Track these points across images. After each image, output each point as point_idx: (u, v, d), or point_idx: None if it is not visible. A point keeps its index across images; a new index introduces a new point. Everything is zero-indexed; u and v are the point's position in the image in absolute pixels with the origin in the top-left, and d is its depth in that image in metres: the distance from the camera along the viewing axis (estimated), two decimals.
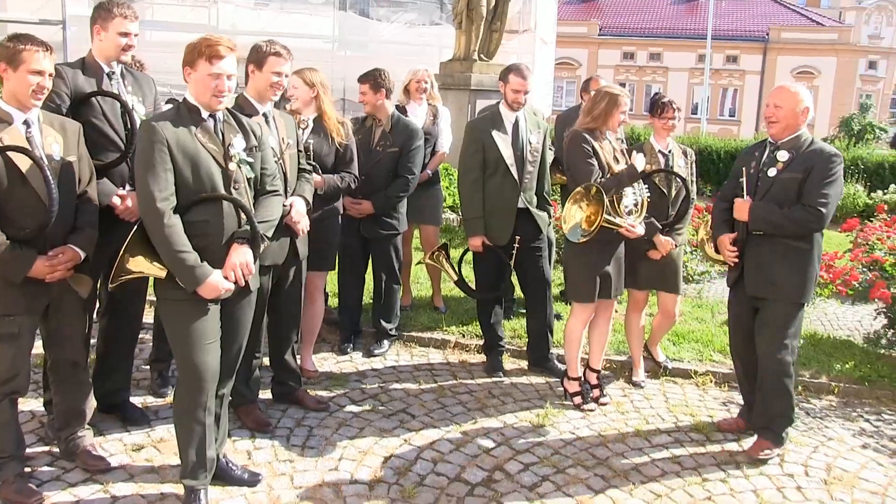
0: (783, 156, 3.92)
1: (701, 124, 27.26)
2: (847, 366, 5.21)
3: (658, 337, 5.17)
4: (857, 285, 5.25)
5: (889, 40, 45.22)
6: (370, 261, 5.29)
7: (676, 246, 4.78)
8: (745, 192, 4.01)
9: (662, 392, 4.85)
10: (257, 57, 3.77)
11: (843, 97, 40.88)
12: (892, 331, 5.35)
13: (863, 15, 44.14)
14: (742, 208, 3.96)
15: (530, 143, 4.85)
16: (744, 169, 4.07)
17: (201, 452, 3.22)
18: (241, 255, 3.10)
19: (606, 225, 4.22)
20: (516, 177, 4.78)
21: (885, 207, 8.68)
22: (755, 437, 4.10)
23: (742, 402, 4.41)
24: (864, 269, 5.58)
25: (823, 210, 3.77)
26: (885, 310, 5.33)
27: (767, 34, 42.64)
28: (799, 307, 3.98)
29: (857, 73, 43.40)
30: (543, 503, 3.49)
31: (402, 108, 5.71)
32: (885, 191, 11.72)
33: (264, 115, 3.80)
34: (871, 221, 6.91)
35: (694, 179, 4.94)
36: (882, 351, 5.40)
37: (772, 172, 3.93)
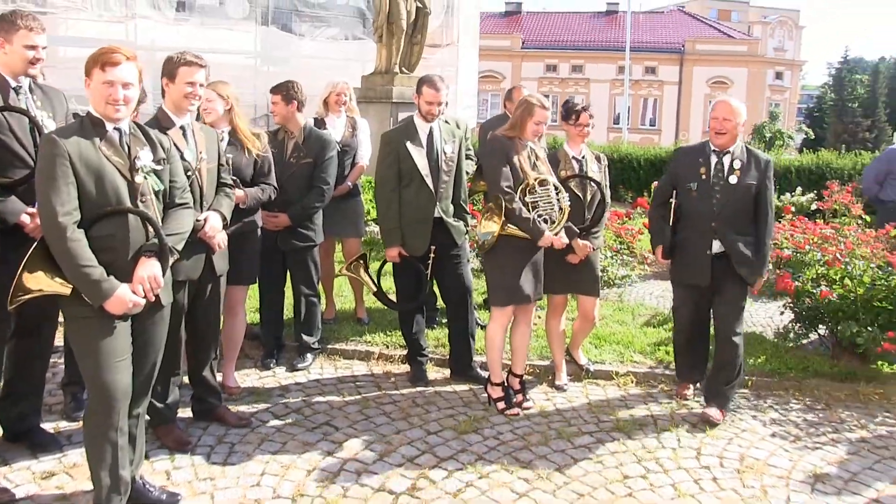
0: (738, 164, 4.45)
1: (622, 134, 27.94)
2: (759, 360, 5.42)
3: (579, 340, 5.27)
4: (766, 281, 5.46)
5: (792, 53, 47.36)
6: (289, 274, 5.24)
7: (594, 249, 4.89)
8: (695, 193, 4.52)
9: (585, 394, 4.93)
10: (169, 68, 3.72)
11: (755, 106, 42.45)
12: (798, 325, 5.59)
13: (768, 29, 46.10)
14: (759, 285, 4.68)
15: (445, 153, 4.89)
16: (702, 174, 4.50)
17: (115, 475, 3.12)
18: (148, 269, 3.03)
19: (515, 234, 4.35)
20: (432, 187, 4.81)
21: (792, 209, 9.04)
22: (711, 409, 4.52)
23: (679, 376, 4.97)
24: (772, 268, 5.80)
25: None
26: (791, 304, 5.56)
27: (683, 46, 44.08)
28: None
29: (766, 83, 45.24)
30: None
31: (320, 121, 5.69)
32: (793, 193, 12.23)
33: (182, 127, 3.73)
34: (779, 222, 7.19)
35: (608, 184, 5.05)
36: (790, 344, 5.63)
37: (733, 180, 4.44)
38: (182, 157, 3.57)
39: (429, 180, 4.80)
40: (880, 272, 5.28)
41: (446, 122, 5.16)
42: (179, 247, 3.26)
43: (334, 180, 5.16)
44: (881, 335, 5.01)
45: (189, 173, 3.60)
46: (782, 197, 12.05)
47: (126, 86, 3.00)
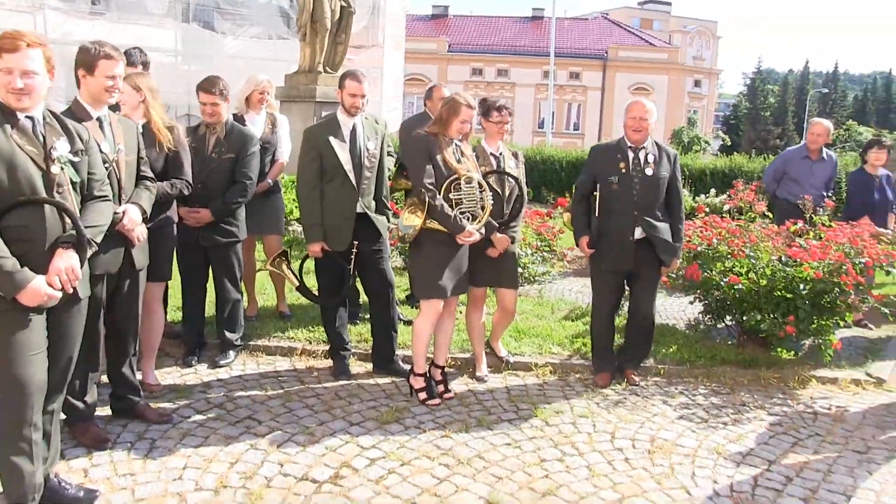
0: (651, 157, 4.94)
1: (546, 137, 28.43)
2: (671, 350, 5.68)
3: (499, 333, 5.40)
4: (677, 274, 5.72)
5: (709, 62, 49.08)
6: (211, 271, 5.21)
7: (512, 242, 5.04)
8: (616, 186, 4.92)
9: (505, 385, 5.07)
10: (87, 60, 3.66)
11: (674, 112, 43.86)
12: (707, 316, 5.87)
13: (687, 38, 47.66)
14: (674, 265, 5.19)
15: (368, 150, 4.95)
16: (622, 168, 4.92)
17: (28, 473, 3.07)
18: (65, 260, 3.00)
19: (438, 228, 4.50)
20: (354, 182, 4.87)
21: (706, 209, 9.41)
22: (631, 373, 5.17)
23: (597, 361, 5.28)
24: (684, 261, 6.06)
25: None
26: (700, 297, 5.83)
27: (606, 53, 45.15)
28: None
29: (685, 91, 46.74)
30: (390, 494, 3.58)
31: (240, 118, 5.67)
32: (707, 194, 12.74)
33: (98, 119, 3.70)
34: (693, 220, 7.49)
35: (524, 180, 5.20)
36: (700, 335, 5.91)
37: (649, 172, 4.92)
38: (99, 150, 3.53)
39: (352, 176, 4.85)
40: (780, 264, 5.58)
41: (366, 118, 5.23)
42: (98, 239, 3.23)
43: (257, 176, 5.16)
44: (782, 322, 5.32)
45: (107, 165, 3.57)
46: (697, 198, 12.53)
47: (27, 74, 2.91)
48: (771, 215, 6.93)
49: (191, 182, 4.54)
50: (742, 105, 66.68)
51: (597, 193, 5.03)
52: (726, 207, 9.21)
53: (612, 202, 4.97)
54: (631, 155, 4.96)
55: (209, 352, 5.28)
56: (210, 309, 5.40)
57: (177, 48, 14.13)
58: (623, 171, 4.93)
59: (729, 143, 41.05)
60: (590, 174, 5.13)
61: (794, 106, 64.54)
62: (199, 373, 5.01)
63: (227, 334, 5.21)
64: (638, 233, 4.95)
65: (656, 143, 5.09)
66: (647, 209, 4.95)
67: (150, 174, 4.02)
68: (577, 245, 5.22)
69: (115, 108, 4.04)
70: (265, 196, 5.72)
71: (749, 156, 15.88)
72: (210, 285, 5.25)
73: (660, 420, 4.59)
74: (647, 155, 4.97)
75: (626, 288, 5.29)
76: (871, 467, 4.15)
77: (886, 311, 6.23)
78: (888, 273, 6.26)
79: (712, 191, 13.03)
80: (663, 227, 4.98)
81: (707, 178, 14.22)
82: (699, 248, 5.91)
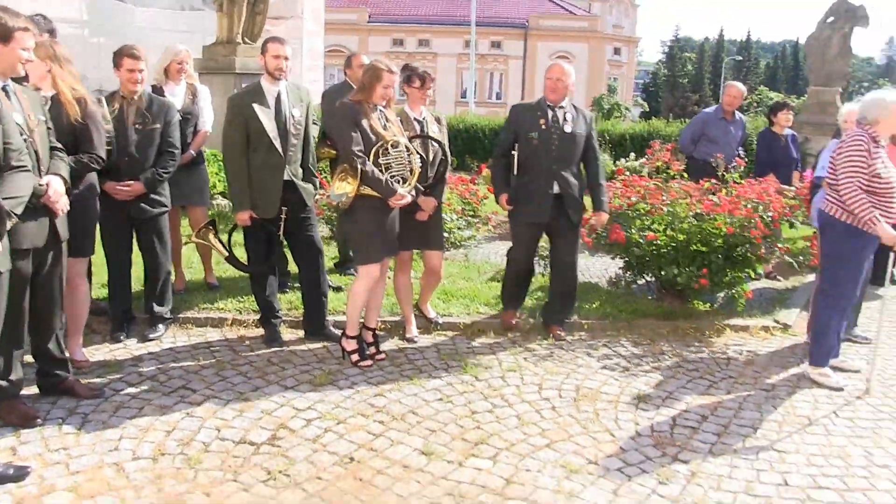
0: (569, 116, 5.20)
1: (469, 107, 28.54)
2: (594, 306, 5.91)
3: (427, 295, 5.53)
4: (599, 233, 5.94)
5: (629, 30, 49.91)
6: (137, 245, 5.15)
7: (438, 205, 5.15)
8: (537, 141, 5.15)
9: (434, 345, 5.20)
10: (2, 30, 3.53)
11: (595, 79, 44.55)
12: (628, 272, 6.12)
13: (606, 6, 48.31)
14: (602, 219, 5.54)
15: (293, 117, 4.96)
16: (542, 124, 5.15)
17: None
18: None
19: (371, 194, 4.55)
20: (281, 150, 4.87)
21: (626, 171, 9.69)
22: (557, 328, 5.40)
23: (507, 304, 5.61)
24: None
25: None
26: (621, 254, 6.07)
27: (527, 22, 45.41)
28: None
29: (606, 59, 47.45)
30: (327, 451, 3.67)
31: (159, 89, 5.58)
32: (627, 158, 13.10)
33: (4, 88, 3.61)
34: (613, 181, 7.72)
35: (448, 144, 5.30)
36: (621, 291, 6.16)
37: (567, 129, 5.17)
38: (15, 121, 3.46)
39: (277, 143, 4.86)
40: (696, 220, 5.85)
41: (290, 86, 5.22)
42: (18, 211, 3.19)
43: (181, 144, 5.12)
44: (697, 275, 5.60)
45: (24, 136, 3.51)
46: (617, 162, 12.87)
47: None
48: (686, 175, 7.23)
49: (101, 156, 4.38)
50: (661, 72, 68.26)
51: (515, 152, 5.22)
52: (645, 170, 9.51)
53: (531, 158, 5.19)
54: (550, 113, 5.20)
55: (138, 326, 5.23)
56: (136, 284, 5.34)
57: (83, 19, 13.56)
58: (543, 127, 5.15)
59: (648, 110, 42.02)
60: (511, 131, 5.34)
61: (711, 73, 66.37)
62: (129, 347, 4.97)
63: (157, 308, 5.18)
64: (556, 188, 5.19)
65: (573, 105, 5.33)
66: (564, 165, 5.20)
67: (59, 145, 3.94)
68: (497, 201, 5.40)
69: (20, 79, 3.92)
70: (189, 167, 5.66)
71: (667, 121, 16.34)
72: (137, 259, 5.19)
73: (584, 371, 4.81)
74: (565, 113, 5.22)
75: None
76: (775, 402, 4.48)
77: (793, 261, 6.61)
78: (792, 226, 6.64)
79: (632, 155, 13.40)
80: (577, 185, 5.27)
81: (627, 142, 14.61)
82: (620, 210, 6.14)
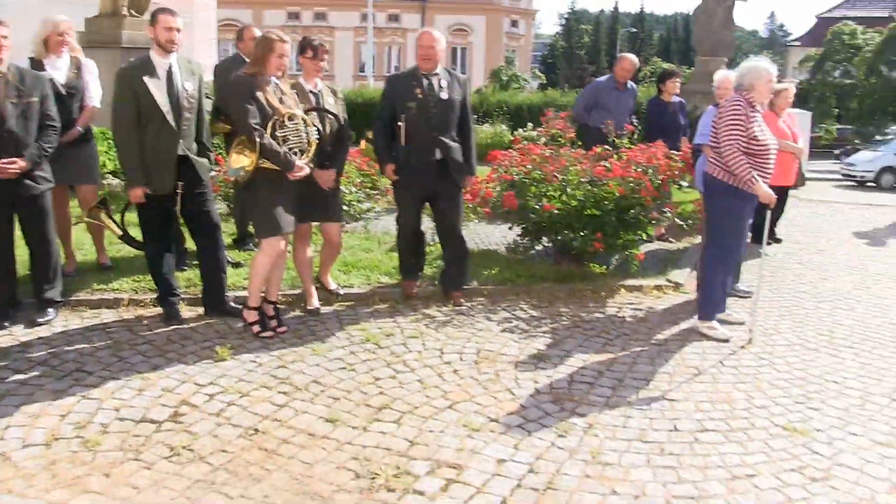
0: (444, 83, 5.25)
1: (368, 81, 28.34)
2: (493, 272, 6.06)
3: (327, 267, 5.53)
4: (493, 200, 6.07)
5: (526, 3, 50.36)
6: (20, 227, 4.92)
7: (337, 177, 5.15)
8: (415, 110, 5.19)
9: (336, 316, 5.22)
10: None
11: (493, 52, 44.89)
12: (525, 238, 6.28)
13: None
14: (469, 183, 5.71)
15: (186, 90, 4.82)
16: (418, 94, 5.19)
17: None
18: None
19: (269, 167, 4.52)
20: (174, 124, 4.74)
21: (522, 141, 9.85)
22: (456, 294, 5.54)
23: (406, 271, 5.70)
24: (500, 189, 6.41)
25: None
26: (518, 221, 6.22)
27: None
28: None
29: (503, 31, 47.80)
30: (231, 424, 3.65)
31: (38, 63, 5.33)
32: (525, 128, 13.31)
33: None
34: (510, 151, 7.87)
35: (345, 116, 5.28)
36: (520, 257, 6.32)
37: (444, 95, 5.24)
38: None
39: (170, 118, 4.72)
40: (590, 186, 6.05)
41: (188, 61, 5.08)
42: None
43: (65, 120, 4.92)
44: (591, 238, 5.80)
45: None
46: (515, 132, 13.07)
47: None
48: (581, 142, 7.45)
49: None
50: (558, 44, 69.30)
51: (401, 123, 5.21)
52: (543, 140, 9.72)
53: (412, 127, 5.22)
54: (425, 81, 5.25)
55: (24, 312, 5.02)
56: (23, 268, 5.11)
57: None
58: (420, 96, 5.21)
59: (545, 81, 42.67)
60: (389, 103, 5.36)
61: (607, 44, 67.85)
62: (15, 334, 4.76)
63: (46, 291, 4.98)
64: (438, 153, 5.28)
65: (447, 70, 5.42)
66: (444, 130, 5.29)
67: None
68: (383, 172, 5.49)
69: None
70: (76, 145, 5.44)
71: (562, 91, 16.68)
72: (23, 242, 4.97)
73: (485, 334, 4.93)
74: (439, 80, 5.28)
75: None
76: (667, 356, 4.73)
77: (682, 223, 6.94)
78: (680, 188, 6.94)
79: (529, 125, 13.63)
80: (457, 148, 5.35)
81: (524, 112, 14.84)
82: (515, 178, 6.27)
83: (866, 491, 3.27)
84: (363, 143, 8.49)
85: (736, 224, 5.06)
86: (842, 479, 3.35)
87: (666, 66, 44.22)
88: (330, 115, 5.09)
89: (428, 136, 5.24)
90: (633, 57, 8.31)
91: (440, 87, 5.26)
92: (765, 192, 4.84)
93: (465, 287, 5.69)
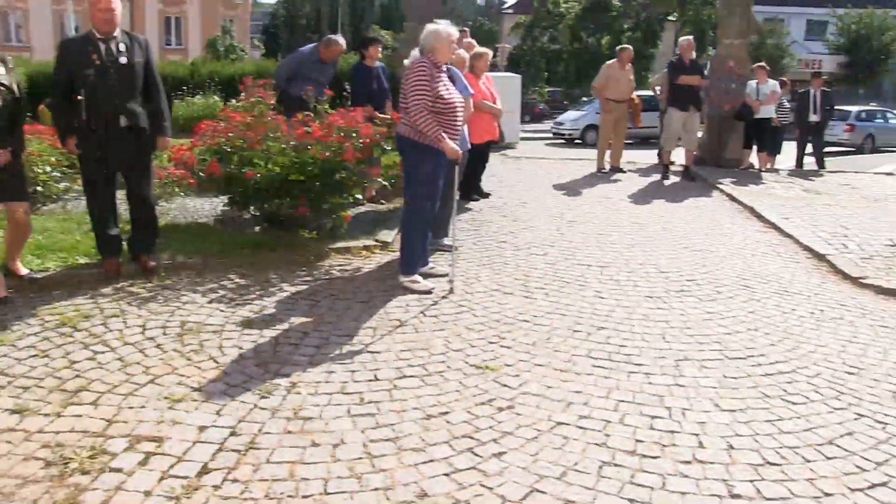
0: (123, 47, 5.03)
1: None
2: (203, 245, 5.96)
3: (15, 251, 5.13)
4: (196, 168, 5.97)
5: None
6: None
7: (17, 154, 4.79)
8: (94, 77, 4.93)
9: (29, 302, 4.86)
10: None
11: (209, 22, 43.08)
12: (233, 208, 6.26)
13: None
14: (165, 143, 5.56)
15: None
16: (95, 60, 4.92)
17: None
18: None
19: None
20: None
21: (230, 110, 9.68)
22: (150, 260, 5.42)
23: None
24: (205, 158, 6.32)
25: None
26: (225, 190, 6.18)
27: None
28: None
29: (219, 0, 45.95)
30: None
31: None
32: (238, 98, 13.05)
33: None
34: (217, 121, 7.73)
35: (17, 88, 4.87)
36: (230, 230, 6.28)
37: (123, 60, 5.01)
38: None
39: None
40: (294, 153, 6.14)
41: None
42: None
43: None
44: (297, 204, 5.93)
45: None
46: (228, 103, 12.77)
47: None
48: (281, 109, 7.50)
49: None
50: (280, 13, 67.90)
51: (81, 97, 4.96)
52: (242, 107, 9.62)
53: (92, 95, 4.99)
54: (103, 46, 5.00)
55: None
56: None
57: None
58: (97, 62, 4.96)
59: (265, 52, 41.79)
60: (64, 70, 5.06)
61: (330, 13, 67.65)
62: None
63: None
64: (123, 121, 5.09)
65: (126, 33, 5.17)
66: (128, 97, 5.10)
67: None
68: (65, 146, 5.24)
69: None
70: None
71: (276, 60, 16.58)
72: None
73: (190, 307, 4.89)
74: (118, 45, 5.05)
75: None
76: (372, 311, 5.00)
77: (386, 183, 7.30)
78: (384, 152, 7.28)
79: (243, 94, 13.37)
80: (143, 114, 5.20)
81: (237, 82, 14.51)
82: (218, 146, 6.21)
83: (545, 413, 3.66)
84: (41, 108, 7.87)
85: (429, 182, 5.39)
86: (525, 406, 3.72)
87: (385, 33, 45.33)
88: (2, 87, 4.69)
89: (110, 104, 5.01)
90: (341, 41, 8.46)
91: (118, 51, 5.02)
92: (451, 149, 5.22)
93: (153, 250, 5.57)
